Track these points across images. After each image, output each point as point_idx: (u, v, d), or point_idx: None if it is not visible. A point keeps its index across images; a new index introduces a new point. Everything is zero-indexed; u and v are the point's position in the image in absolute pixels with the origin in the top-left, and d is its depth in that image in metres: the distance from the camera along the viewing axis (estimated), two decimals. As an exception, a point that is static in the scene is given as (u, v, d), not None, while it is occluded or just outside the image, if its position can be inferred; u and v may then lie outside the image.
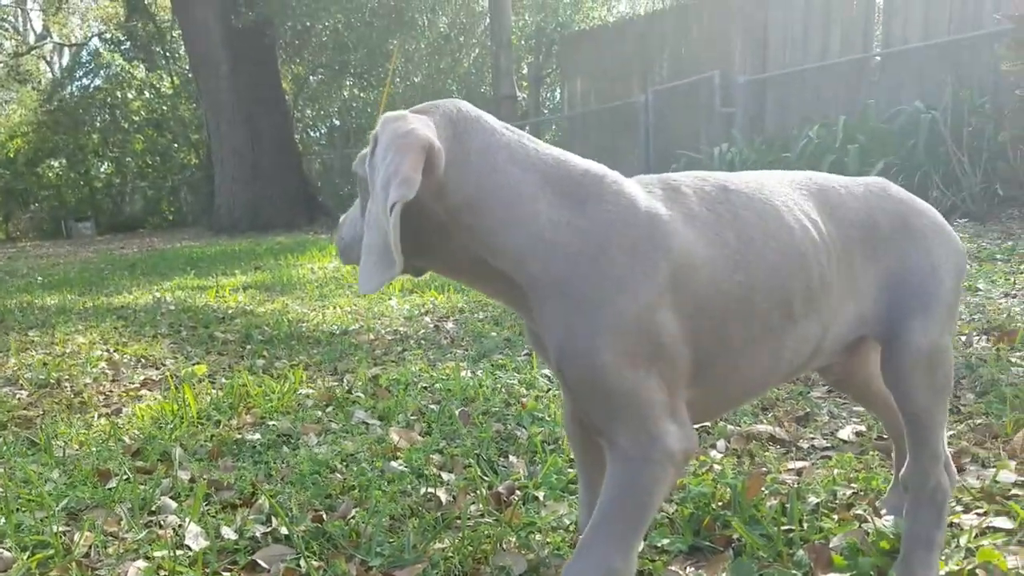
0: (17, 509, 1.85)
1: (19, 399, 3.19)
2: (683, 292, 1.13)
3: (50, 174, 25.51)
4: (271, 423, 2.57)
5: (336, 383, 3.15)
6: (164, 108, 26.21)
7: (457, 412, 2.47)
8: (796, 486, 1.75)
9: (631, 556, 1.13)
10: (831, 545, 1.46)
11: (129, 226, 22.97)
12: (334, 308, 5.04)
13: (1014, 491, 1.67)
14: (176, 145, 26.33)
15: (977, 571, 1.32)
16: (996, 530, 1.50)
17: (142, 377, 3.54)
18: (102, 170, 26.83)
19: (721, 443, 2.15)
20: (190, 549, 1.59)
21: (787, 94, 11.08)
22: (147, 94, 26.99)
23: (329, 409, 2.72)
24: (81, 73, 27.76)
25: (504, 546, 1.54)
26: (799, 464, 1.96)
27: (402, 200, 0.98)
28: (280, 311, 5.01)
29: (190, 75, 20.84)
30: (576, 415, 1.34)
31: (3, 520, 1.79)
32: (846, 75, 10.11)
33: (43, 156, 25.40)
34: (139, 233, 20.86)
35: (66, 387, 3.37)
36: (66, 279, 8.10)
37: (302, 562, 1.51)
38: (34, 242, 20.19)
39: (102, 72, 26.80)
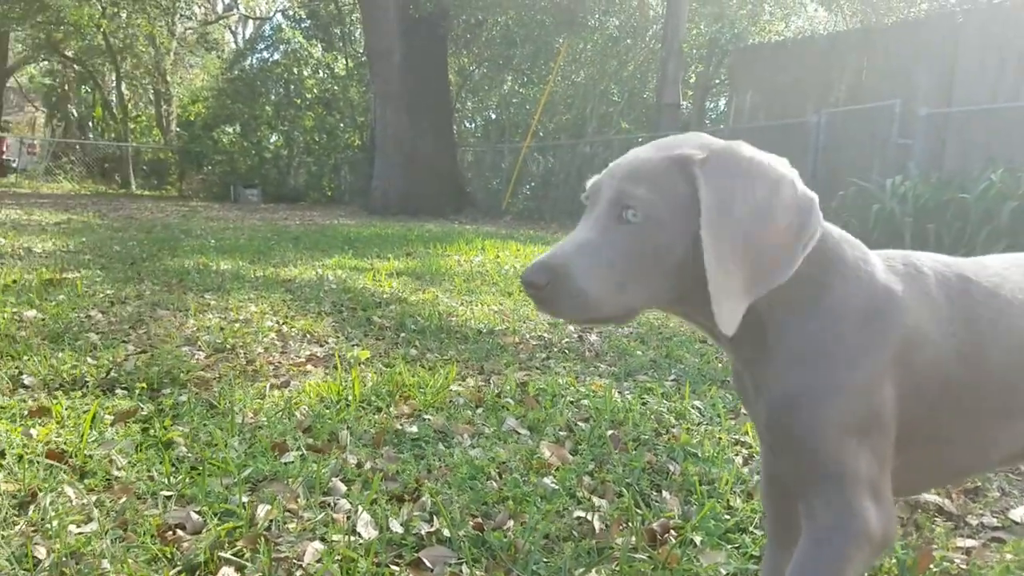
0: (207, 474, 2.02)
1: (197, 360, 3.46)
2: (905, 369, 1.12)
3: (224, 140, 27.01)
4: (426, 417, 2.68)
5: (484, 383, 3.24)
6: (335, 88, 27.39)
7: (608, 434, 2.50)
8: (967, 567, 1.68)
9: None
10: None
11: (292, 197, 24.12)
12: (481, 305, 5.16)
13: None
14: (342, 125, 27.45)
15: None
16: None
17: (308, 352, 3.77)
18: (272, 141, 28.23)
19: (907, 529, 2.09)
20: (361, 537, 1.70)
21: (971, 132, 10.44)
22: (321, 73, 28.32)
23: (480, 411, 2.81)
24: (262, 46, 29.28)
25: (656, 583, 1.57)
26: (969, 543, 1.88)
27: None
28: (431, 302, 5.18)
29: (364, 59, 21.73)
30: (774, 476, 1.34)
31: (192, 482, 1.97)
32: (1039, 119, 9.42)
33: (219, 122, 26.98)
34: (300, 205, 21.93)
35: (240, 354, 3.62)
36: (237, 245, 8.65)
37: (464, 567, 1.58)
38: (204, 203, 21.52)
39: (281, 47, 28.22)
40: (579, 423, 2.65)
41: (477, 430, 2.54)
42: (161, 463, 2.06)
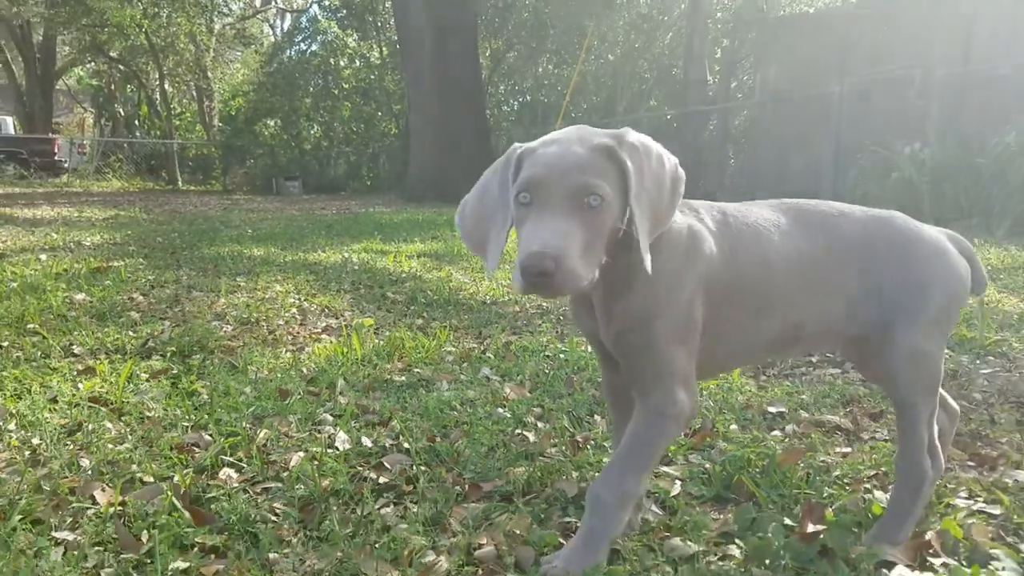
0: (217, 409, 2.48)
1: (224, 332, 3.93)
2: (705, 285, 1.52)
3: (265, 133, 27.58)
4: (416, 370, 3.11)
5: (477, 345, 3.65)
6: (371, 78, 27.77)
7: (564, 378, 2.90)
8: (837, 463, 2.06)
9: (641, 482, 1.55)
10: (833, 507, 1.77)
11: (332, 188, 24.65)
12: (491, 280, 5.56)
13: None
14: (379, 114, 27.89)
15: (933, 534, 1.60)
16: (984, 513, 1.76)
17: (324, 324, 4.23)
18: (311, 133, 28.75)
19: (791, 427, 2.46)
20: (338, 449, 2.14)
21: (989, 95, 10.50)
22: (357, 63, 28.76)
23: (464, 365, 3.22)
24: (299, 38, 29.62)
25: (566, 477, 1.97)
26: (846, 450, 2.25)
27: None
28: (444, 279, 5.61)
29: (398, 47, 22.08)
30: (613, 382, 1.74)
31: (207, 416, 2.43)
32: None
33: (260, 116, 27.50)
34: (340, 195, 22.48)
35: (263, 326, 4.09)
36: (272, 233, 9.19)
37: (414, 468, 2.01)
38: (247, 196, 22.18)
39: (318, 38, 28.66)
40: (545, 371, 3.05)
41: (455, 378, 2.96)
42: (183, 408, 2.52)
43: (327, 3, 29.69)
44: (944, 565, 1.50)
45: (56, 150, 25.60)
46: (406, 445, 2.18)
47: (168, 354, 3.31)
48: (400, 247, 7.80)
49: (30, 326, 3.78)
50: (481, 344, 3.68)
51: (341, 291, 5.16)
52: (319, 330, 4.10)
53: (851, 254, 1.64)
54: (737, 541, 1.60)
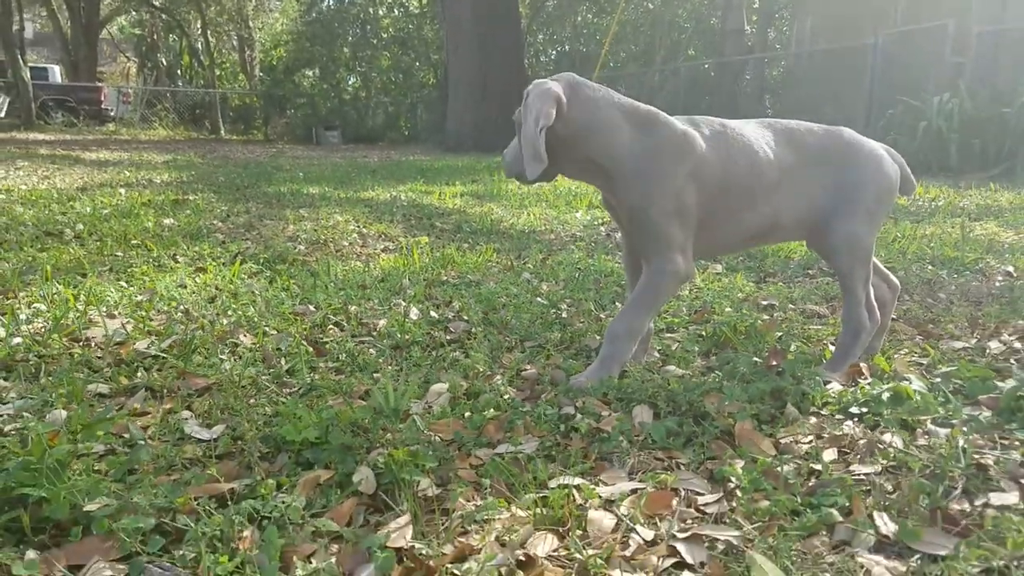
0: (315, 292, 3.10)
1: (299, 250, 4.54)
2: (698, 177, 2.05)
3: (305, 83, 27.97)
4: (467, 276, 3.70)
5: (516, 261, 4.23)
6: (410, 27, 27.98)
7: (592, 280, 3.47)
8: (797, 332, 2.62)
9: (645, 321, 2.12)
10: (790, 349, 2.33)
11: (370, 138, 25.11)
12: (529, 215, 6.12)
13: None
14: (417, 64, 28.13)
15: (865, 365, 2.16)
16: (914, 362, 2.31)
17: (383, 246, 4.82)
18: (350, 83, 29.08)
19: (778, 314, 3.00)
20: (411, 320, 2.75)
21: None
22: (396, 12, 28.97)
23: (507, 273, 3.80)
24: (339, -13, 29.91)
25: (589, 337, 2.55)
26: (816, 326, 2.80)
27: (544, 126, 1.98)
28: (486, 213, 6.18)
29: (437, -7, 22.27)
30: (630, 252, 2.30)
31: (308, 297, 3.05)
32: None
33: (299, 65, 27.83)
34: (379, 145, 23.01)
35: (330, 246, 4.70)
36: (322, 176, 9.81)
37: (474, 329, 2.61)
38: (288, 145, 22.78)
39: (357, -13, 28.84)
40: (576, 276, 3.62)
41: (499, 280, 3.55)
42: (285, 294, 3.14)
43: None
44: (868, 382, 2.06)
45: (103, 98, 26.23)
46: (465, 317, 2.78)
47: (261, 261, 3.92)
48: (443, 188, 8.38)
49: (133, 242, 4.43)
50: (520, 258, 4.25)
51: (394, 221, 5.76)
52: (379, 250, 4.69)
53: (813, 161, 2.19)
54: (716, 372, 2.17)
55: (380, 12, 28.51)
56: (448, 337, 2.57)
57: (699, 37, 22.87)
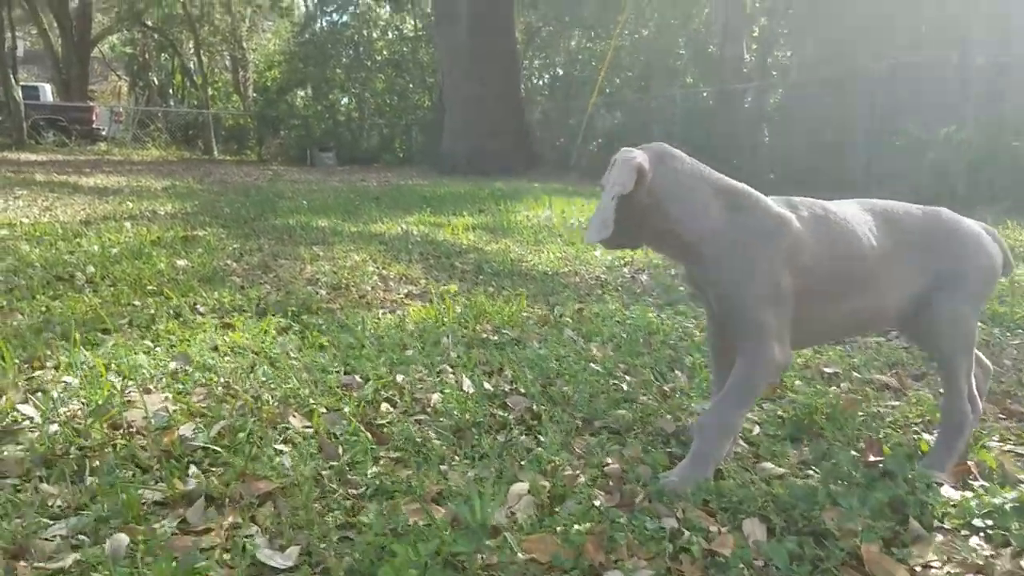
0: (355, 359, 2.92)
1: (321, 295, 4.37)
2: (793, 261, 1.90)
3: (298, 103, 27.87)
4: (504, 331, 3.53)
5: (548, 311, 4.07)
6: (405, 50, 27.99)
7: (641, 340, 3.31)
8: (884, 411, 2.46)
9: (740, 417, 1.96)
10: (887, 444, 2.18)
11: (365, 159, 24.98)
12: (547, 253, 5.98)
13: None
14: (412, 87, 28.13)
15: (972, 463, 2.01)
16: (1012, 452, 2.16)
17: (405, 290, 4.66)
18: (343, 104, 29.05)
19: (845, 384, 2.86)
20: (465, 392, 2.57)
21: (1026, 81, 10.70)
22: (390, 35, 28.98)
23: (545, 327, 3.64)
24: (331, 8, 29.82)
25: (662, 418, 2.39)
26: (895, 403, 2.65)
27: (618, 194, 1.83)
28: (504, 250, 6.03)
29: (432, 19, 22.32)
30: (715, 338, 2.14)
31: (351, 363, 2.87)
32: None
33: (292, 86, 27.78)
34: (374, 167, 22.86)
35: (352, 291, 4.53)
36: (326, 205, 9.64)
37: (535, 407, 2.44)
38: (283, 166, 22.58)
39: (350, 9, 28.85)
40: (621, 334, 3.47)
41: (543, 338, 3.38)
42: (323, 356, 2.96)
43: (360, -26, 29.72)
44: (982, 486, 1.90)
45: (95, 118, 25.96)
46: (522, 389, 2.61)
47: (287, 313, 3.74)
48: (451, 219, 8.23)
49: (149, 288, 4.24)
50: (552, 310, 4.09)
51: (412, 261, 5.60)
52: (402, 295, 4.53)
53: (914, 246, 2.04)
54: (813, 468, 2.01)
55: (374, 35, 28.57)
56: (510, 416, 2.40)
57: (696, 64, 22.89)
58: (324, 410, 2.38)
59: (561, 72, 27.25)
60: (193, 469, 1.93)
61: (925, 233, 2.06)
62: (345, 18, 29.16)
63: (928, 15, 12.68)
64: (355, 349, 3.11)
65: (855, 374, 2.97)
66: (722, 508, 1.78)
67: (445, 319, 3.70)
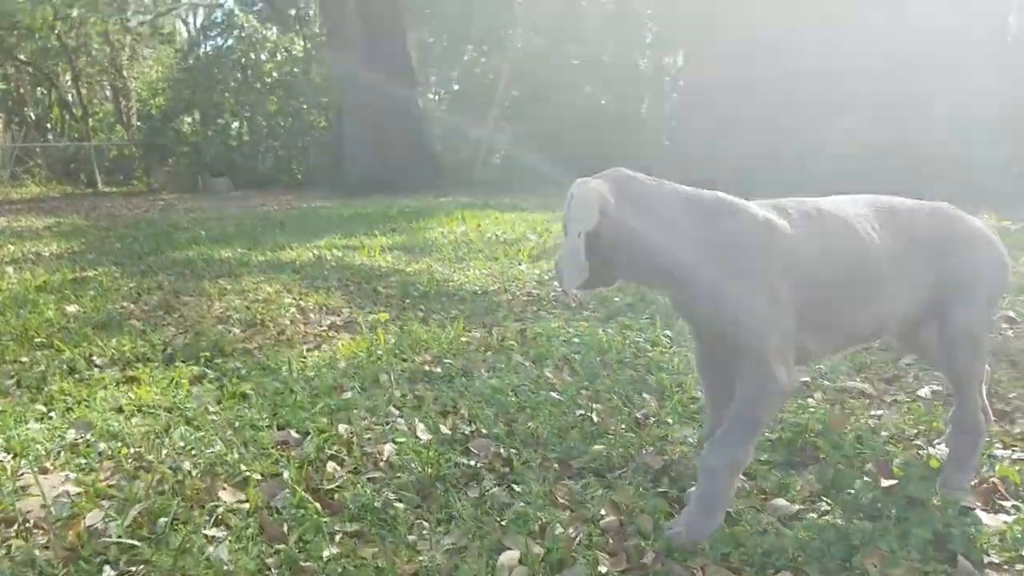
0: (284, 408, 2.58)
1: (234, 335, 3.97)
2: (791, 272, 1.68)
3: (185, 129, 26.88)
4: (447, 361, 3.23)
5: (487, 334, 3.79)
6: (295, 71, 27.40)
7: (596, 360, 3.07)
8: (873, 424, 2.28)
9: (749, 451, 1.72)
10: (894, 463, 1.99)
11: (262, 183, 24.12)
12: (473, 270, 5.69)
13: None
14: (305, 107, 27.53)
15: (995, 480, 1.83)
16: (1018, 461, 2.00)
17: (328, 321, 4.29)
18: (233, 127, 28.21)
19: (819, 394, 2.68)
20: (421, 439, 2.27)
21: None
22: (279, 56, 28.28)
23: (489, 353, 3.36)
24: (215, 33, 29.01)
25: (644, 451, 2.14)
26: (879, 412, 2.48)
27: (583, 231, 1.58)
28: (426, 271, 5.71)
29: (322, 39, 21.85)
30: (704, 361, 1.90)
31: (286, 414, 2.52)
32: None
33: (178, 112, 26.75)
34: (272, 190, 22.05)
35: (269, 327, 4.14)
36: (227, 233, 9.10)
37: (502, 449, 2.16)
38: (174, 195, 21.58)
39: (235, 32, 28.09)
40: (573, 355, 3.22)
41: (491, 366, 3.10)
42: (248, 408, 2.60)
43: (243, -4, 29.05)
44: (1015, 507, 1.73)
45: (-33, 159, 24.36)
46: (484, 430, 2.32)
47: (199, 358, 3.35)
48: (364, 241, 7.86)
49: (37, 340, 3.76)
50: (491, 333, 3.81)
51: (331, 288, 5.22)
52: (325, 327, 4.17)
53: (922, 245, 1.84)
54: (825, 499, 1.80)
55: (262, 56, 27.83)
56: (478, 464, 2.11)
57: (594, 72, 22.99)
58: (260, 477, 2.03)
59: (457, 87, 27.08)
60: (108, 573, 1.56)
61: (933, 231, 1.87)
62: (230, 42, 28.36)
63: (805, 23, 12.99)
64: (284, 396, 2.76)
65: (825, 382, 2.80)
66: (746, 562, 1.54)
67: (379, 352, 3.37)
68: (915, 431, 2.26)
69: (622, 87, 18.45)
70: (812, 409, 2.43)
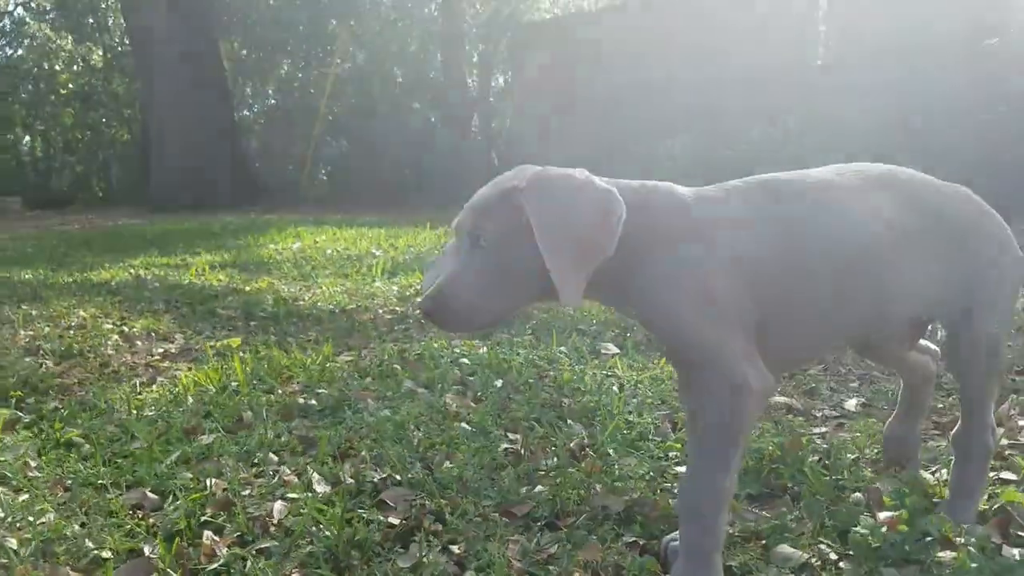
0: (123, 460, 2.02)
1: (48, 368, 3.29)
2: (744, 262, 1.39)
3: (-32, 145, 24.57)
4: (320, 391, 2.75)
5: (358, 357, 3.33)
6: (94, 82, 25.50)
7: (498, 383, 2.70)
8: (828, 446, 2.05)
9: (733, 475, 1.37)
10: (884, 493, 1.74)
11: (59, 202, 22.09)
12: (323, 288, 5.17)
13: (1008, 451, 2.00)
14: (106, 120, 25.67)
15: (1007, 508, 1.63)
16: (1006, 481, 1.82)
17: (160, 349, 3.67)
18: (25, 141, 26.03)
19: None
20: (318, 492, 1.80)
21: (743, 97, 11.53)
22: (76, 67, 26.20)
23: (369, 380, 2.91)
24: (3, 42, 26.78)
25: (596, 491, 1.80)
26: (821, 429, 2.28)
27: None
28: (270, 289, 5.13)
29: (122, 48, 20.32)
30: (684, 384, 1.58)
31: (135, 467, 1.97)
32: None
33: (-42, 127, 24.48)
34: (71, 209, 20.17)
35: (90, 357, 3.47)
36: (25, 255, 8.01)
37: (427, 501, 1.74)
38: (-46, 218, 19.29)
39: (25, 42, 25.98)
40: (469, 377, 2.83)
41: (379, 395, 2.66)
42: (79, 461, 2.02)
43: (34, 4, 26.84)
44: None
45: None
46: (397, 476, 1.88)
47: (8, 398, 2.68)
48: (186, 258, 7.12)
49: None
50: (361, 356, 3.36)
51: (157, 311, 4.54)
52: (157, 355, 3.56)
53: (935, 230, 1.53)
54: (828, 542, 1.53)
55: (57, 67, 25.66)
56: (401, 520, 1.68)
57: (422, 89, 22.66)
58: (114, 556, 1.50)
59: (274, 101, 25.99)
60: None
61: (949, 213, 1.56)
62: (20, 51, 26.16)
63: (640, 38, 13.35)
64: (123, 443, 2.19)
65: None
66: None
67: (234, 384, 2.84)
68: (876, 449, 2.06)
69: (450, 106, 18.23)
70: (765, 432, 2.19)
